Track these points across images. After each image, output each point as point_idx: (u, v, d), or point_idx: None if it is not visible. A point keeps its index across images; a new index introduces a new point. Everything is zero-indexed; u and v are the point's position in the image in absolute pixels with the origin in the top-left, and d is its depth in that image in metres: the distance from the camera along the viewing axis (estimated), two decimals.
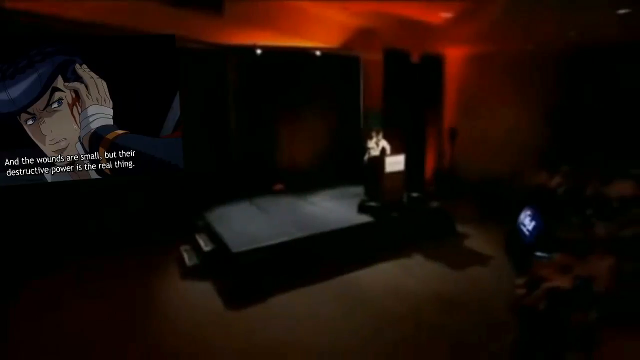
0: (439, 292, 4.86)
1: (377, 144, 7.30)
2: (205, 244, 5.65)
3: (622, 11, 5.61)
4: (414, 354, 3.76)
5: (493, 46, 8.47)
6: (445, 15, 6.94)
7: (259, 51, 7.45)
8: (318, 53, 8.06)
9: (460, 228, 6.93)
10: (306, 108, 8.28)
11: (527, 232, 5.52)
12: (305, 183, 7.97)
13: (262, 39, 7.19)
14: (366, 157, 7.32)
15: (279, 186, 8.03)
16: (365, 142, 7.50)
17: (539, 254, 4.68)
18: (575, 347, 3.12)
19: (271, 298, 4.73)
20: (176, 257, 5.79)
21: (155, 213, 6.43)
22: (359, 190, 7.34)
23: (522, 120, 9.07)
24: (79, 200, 5.85)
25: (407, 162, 7.04)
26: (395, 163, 6.90)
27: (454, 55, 9.08)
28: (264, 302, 4.66)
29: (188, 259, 5.59)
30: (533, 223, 5.55)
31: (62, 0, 5.24)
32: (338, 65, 8.48)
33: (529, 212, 5.78)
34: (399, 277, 5.28)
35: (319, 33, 7.59)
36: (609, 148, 8.10)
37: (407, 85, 8.36)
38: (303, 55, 7.97)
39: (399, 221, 6.41)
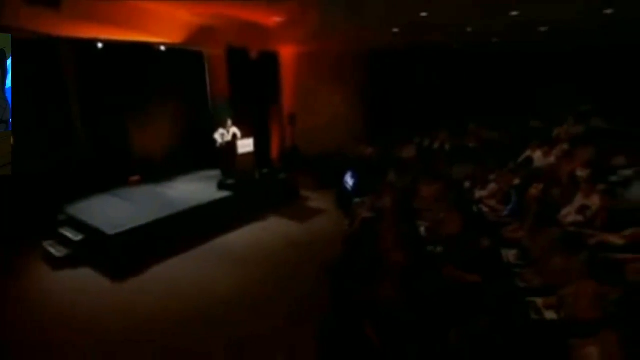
0: (288, 240, 6.33)
1: (228, 131, 8.34)
2: (74, 235, 5.81)
3: (395, 30, 7.94)
4: (271, 285, 4.99)
5: (318, 46, 10.32)
6: (277, 19, 8.25)
7: (100, 45, 7.47)
8: (163, 48, 8.46)
9: (303, 193, 8.64)
10: (156, 101, 8.59)
11: (349, 187, 7.46)
12: (162, 172, 8.45)
13: (105, 33, 7.25)
14: (219, 142, 8.29)
15: (135, 177, 8.28)
16: (217, 130, 8.44)
17: (356, 199, 6.59)
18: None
19: (152, 268, 5.42)
20: (40, 253, 5.80)
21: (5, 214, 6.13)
22: (215, 172, 8.29)
23: (345, 106, 11.38)
24: None
25: (256, 144, 8.33)
26: (246, 146, 8.12)
27: (288, 53, 10.65)
28: (145, 273, 5.32)
29: (56, 251, 5.68)
30: (353, 180, 7.52)
31: None
32: (184, 60, 9.01)
33: (350, 173, 7.74)
34: (257, 235, 6.58)
35: (162, 29, 7.95)
36: (403, 124, 11.00)
37: (249, 78, 9.49)
38: (147, 49, 8.22)
39: (254, 193, 7.68)
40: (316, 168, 9.74)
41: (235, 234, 6.60)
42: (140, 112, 8.36)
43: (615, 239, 3.57)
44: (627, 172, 4.99)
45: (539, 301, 2.92)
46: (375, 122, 11.58)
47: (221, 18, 8.06)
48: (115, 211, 6.30)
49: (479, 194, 5.90)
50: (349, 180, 7.64)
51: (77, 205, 6.54)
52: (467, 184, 6.35)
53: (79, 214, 6.15)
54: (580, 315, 2.55)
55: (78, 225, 5.99)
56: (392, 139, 10.36)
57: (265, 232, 6.67)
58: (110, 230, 5.43)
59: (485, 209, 5.40)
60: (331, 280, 3.76)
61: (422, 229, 4.72)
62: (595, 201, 4.26)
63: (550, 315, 2.77)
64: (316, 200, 8.32)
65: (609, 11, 6.35)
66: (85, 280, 5.16)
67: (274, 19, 8.30)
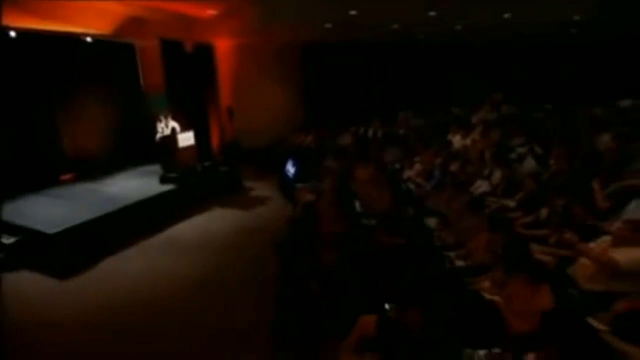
0: (237, 227, 6.60)
1: (166, 125, 8.28)
2: (4, 239, 5.55)
3: (328, 25, 8.40)
4: (228, 268, 5.24)
5: (255, 39, 10.46)
6: (212, 12, 8.27)
7: (13, 34, 6.96)
8: (89, 39, 8.12)
9: (246, 184, 8.88)
10: (86, 95, 8.22)
11: (291, 175, 7.85)
12: (98, 169, 8.19)
13: (20, 22, 6.75)
14: (158, 137, 8.20)
15: (67, 176, 7.94)
16: (154, 124, 8.32)
17: (298, 185, 7.01)
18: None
19: (99, 264, 5.37)
20: None
21: None
22: (153, 167, 8.20)
23: (284, 97, 11.68)
24: None
25: (196, 138, 8.37)
26: (186, 139, 8.18)
27: (224, 46, 10.67)
28: (93, 269, 5.26)
29: None
30: (294, 168, 7.91)
31: None
32: (114, 52, 8.71)
33: (291, 162, 8.12)
34: (205, 225, 6.74)
35: (87, 19, 7.55)
36: (340, 114, 11.58)
37: (185, 71, 9.40)
38: (71, 40, 7.79)
39: (198, 185, 7.78)
40: (258, 159, 10.00)
41: (182, 225, 6.70)
42: (68, 108, 7.97)
43: (510, 202, 4.38)
44: (522, 150, 5.95)
45: (452, 254, 3.56)
46: (314, 113, 12.05)
47: (153, 9, 7.91)
48: (50, 210, 6.09)
49: (407, 173, 6.61)
50: (290, 169, 8.03)
51: (2, 208, 6.19)
52: (397, 166, 7.05)
53: (7, 216, 5.85)
54: (480, 260, 3.21)
55: (7, 227, 5.70)
56: (330, 128, 10.92)
57: (214, 221, 6.85)
58: (49, 230, 5.30)
59: (412, 186, 6.11)
60: (280, 254, 4.13)
61: (358, 205, 5.27)
62: (497, 175, 5.10)
63: (459, 263, 3.41)
64: (260, 189, 8.61)
65: (507, 15, 7.39)
66: (28, 282, 5.00)
67: (209, 12, 8.34)
